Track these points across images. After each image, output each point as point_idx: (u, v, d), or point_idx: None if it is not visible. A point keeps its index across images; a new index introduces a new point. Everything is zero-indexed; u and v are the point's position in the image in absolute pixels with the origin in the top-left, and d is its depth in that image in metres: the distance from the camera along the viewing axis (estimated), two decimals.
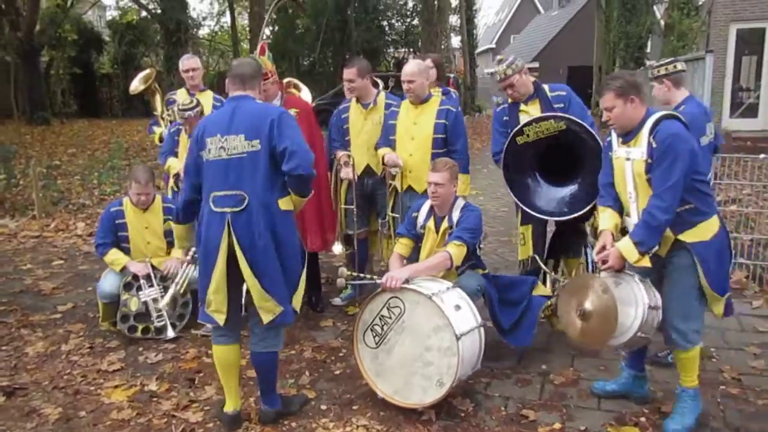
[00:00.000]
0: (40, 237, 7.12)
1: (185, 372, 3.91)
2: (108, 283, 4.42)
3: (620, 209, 3.22)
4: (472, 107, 28.09)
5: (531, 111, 4.06)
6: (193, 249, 4.01)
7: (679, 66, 3.75)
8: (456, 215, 3.80)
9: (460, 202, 3.88)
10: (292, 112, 4.54)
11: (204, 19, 26.81)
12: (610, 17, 20.14)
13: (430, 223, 3.88)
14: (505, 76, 4.01)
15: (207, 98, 5.43)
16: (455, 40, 32.04)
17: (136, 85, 5.76)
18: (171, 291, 4.35)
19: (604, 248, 3.10)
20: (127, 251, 4.50)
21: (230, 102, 3.19)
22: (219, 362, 3.29)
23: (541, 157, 4.01)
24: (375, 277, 3.71)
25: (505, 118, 4.20)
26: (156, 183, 4.86)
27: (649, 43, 20.37)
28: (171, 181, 5.13)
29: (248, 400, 3.56)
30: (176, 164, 4.74)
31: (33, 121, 18.42)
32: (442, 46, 27.42)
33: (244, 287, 3.13)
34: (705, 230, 3.01)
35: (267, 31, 23.35)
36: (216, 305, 3.13)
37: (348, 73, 4.54)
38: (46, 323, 4.71)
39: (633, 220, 3.07)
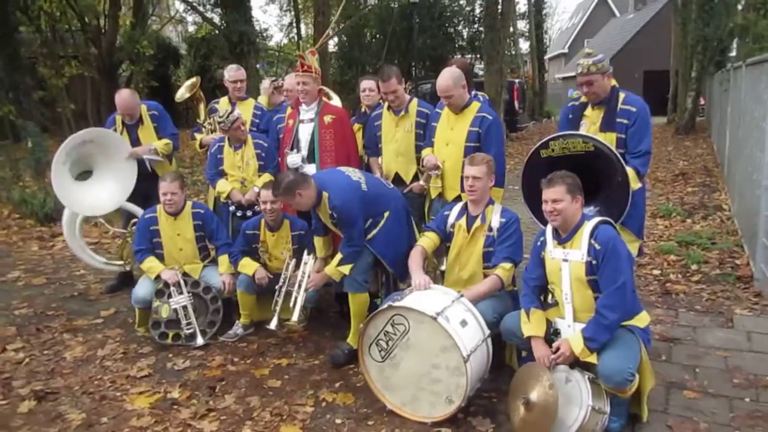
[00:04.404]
0: (98, 243, 7.36)
1: (208, 380, 3.90)
2: (142, 288, 4.50)
3: (543, 306, 3.33)
4: (540, 113, 27.51)
5: (592, 117, 3.79)
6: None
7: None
8: (496, 220, 3.68)
9: (497, 206, 3.76)
10: (329, 118, 4.54)
11: (266, 30, 27.35)
12: (687, 20, 19.15)
13: (462, 221, 3.77)
14: (587, 72, 3.70)
15: (248, 107, 5.49)
16: (524, 45, 31.48)
17: (182, 92, 5.88)
18: (299, 300, 4.19)
19: (558, 349, 3.11)
20: (161, 258, 4.58)
21: None
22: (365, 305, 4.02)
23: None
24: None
25: (570, 115, 3.96)
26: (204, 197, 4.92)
27: (734, 47, 19.23)
28: (211, 198, 5.22)
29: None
30: (227, 187, 4.81)
31: None
32: (512, 52, 27.03)
33: None
34: (642, 320, 3.17)
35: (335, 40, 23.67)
36: None
37: (388, 86, 4.38)
38: (88, 328, 4.84)
39: (567, 321, 3.15)
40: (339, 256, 3.95)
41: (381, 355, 3.36)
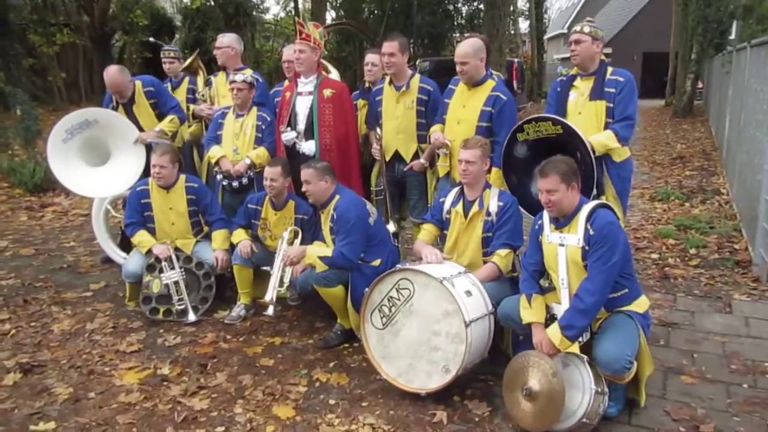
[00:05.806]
0: (90, 215, 7.23)
1: (199, 357, 3.83)
2: (133, 262, 4.41)
3: (542, 291, 3.24)
4: (539, 93, 27.33)
5: (582, 88, 3.82)
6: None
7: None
8: (494, 204, 3.59)
9: (495, 190, 3.67)
10: (328, 92, 4.42)
11: (262, 2, 26.92)
12: (689, 1, 18.94)
13: (459, 207, 3.68)
14: (579, 30, 3.78)
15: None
16: (524, 25, 31.18)
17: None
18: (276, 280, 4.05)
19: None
20: (152, 232, 4.47)
21: None
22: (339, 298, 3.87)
23: (537, 156, 3.59)
24: None
25: (558, 89, 3.99)
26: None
27: (733, 29, 19.04)
28: (204, 167, 5.08)
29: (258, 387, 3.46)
30: (218, 152, 4.61)
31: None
32: (512, 31, 26.73)
33: None
34: (641, 305, 3.11)
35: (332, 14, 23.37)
36: None
37: (389, 47, 4.28)
38: (77, 301, 4.74)
39: (563, 306, 3.06)
40: (328, 251, 3.80)
41: (382, 322, 3.35)
